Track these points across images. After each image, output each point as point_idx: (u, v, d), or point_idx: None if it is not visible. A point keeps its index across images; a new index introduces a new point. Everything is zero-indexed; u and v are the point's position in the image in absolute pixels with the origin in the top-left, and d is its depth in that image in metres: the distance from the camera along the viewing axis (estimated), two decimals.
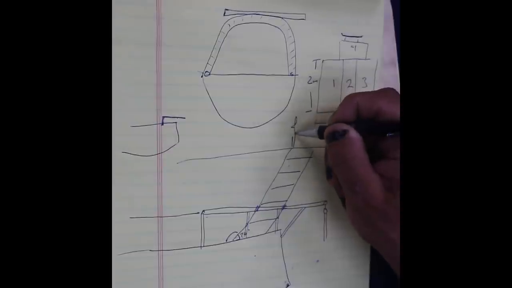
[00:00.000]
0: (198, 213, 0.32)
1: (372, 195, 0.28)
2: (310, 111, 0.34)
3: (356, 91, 0.35)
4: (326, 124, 0.31)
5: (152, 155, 0.31)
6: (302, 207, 0.35)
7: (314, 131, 0.32)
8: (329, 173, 0.33)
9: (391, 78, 0.36)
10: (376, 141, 0.31)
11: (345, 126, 0.29)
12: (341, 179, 0.30)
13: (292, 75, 0.34)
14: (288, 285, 0.35)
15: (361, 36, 0.35)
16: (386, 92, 0.30)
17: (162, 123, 0.31)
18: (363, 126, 0.29)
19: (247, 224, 0.34)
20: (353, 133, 0.29)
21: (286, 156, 0.34)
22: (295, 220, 0.35)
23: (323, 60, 0.34)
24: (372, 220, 0.28)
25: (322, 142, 0.31)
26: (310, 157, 0.35)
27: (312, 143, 0.35)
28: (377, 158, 0.30)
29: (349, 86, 0.35)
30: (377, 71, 0.36)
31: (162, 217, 0.31)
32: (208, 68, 0.31)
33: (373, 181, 0.28)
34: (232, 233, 0.33)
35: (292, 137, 0.34)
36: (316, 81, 0.34)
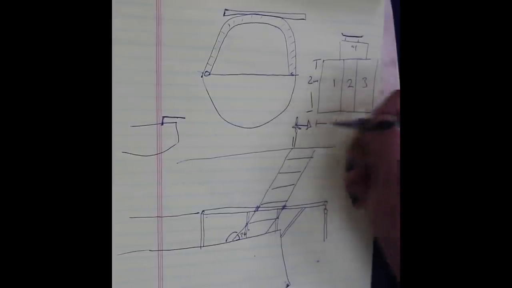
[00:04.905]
0: (198, 213, 0.32)
1: (398, 192, 0.28)
2: (311, 111, 0.34)
3: (357, 91, 0.35)
4: (365, 118, 0.32)
5: (152, 155, 0.31)
6: (302, 207, 0.35)
7: (353, 122, 0.33)
8: (352, 164, 0.33)
9: (391, 78, 0.36)
10: None
11: (391, 119, 0.30)
12: (376, 169, 0.30)
13: (293, 75, 0.34)
14: (288, 285, 0.35)
15: (361, 36, 0.35)
16: None
17: (162, 123, 0.31)
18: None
19: (247, 224, 0.34)
20: (398, 128, 0.29)
21: (286, 156, 0.34)
22: (295, 220, 0.35)
23: (323, 60, 0.34)
24: (392, 215, 0.29)
25: (324, 142, 0.31)
26: (310, 157, 0.35)
27: (313, 142, 0.35)
28: None
29: (349, 86, 0.35)
30: (377, 71, 0.36)
31: (162, 217, 0.31)
32: (208, 68, 0.31)
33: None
34: (232, 233, 0.33)
35: (293, 137, 0.34)
36: (317, 81, 0.34)
